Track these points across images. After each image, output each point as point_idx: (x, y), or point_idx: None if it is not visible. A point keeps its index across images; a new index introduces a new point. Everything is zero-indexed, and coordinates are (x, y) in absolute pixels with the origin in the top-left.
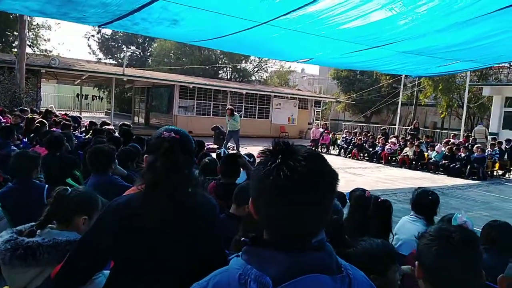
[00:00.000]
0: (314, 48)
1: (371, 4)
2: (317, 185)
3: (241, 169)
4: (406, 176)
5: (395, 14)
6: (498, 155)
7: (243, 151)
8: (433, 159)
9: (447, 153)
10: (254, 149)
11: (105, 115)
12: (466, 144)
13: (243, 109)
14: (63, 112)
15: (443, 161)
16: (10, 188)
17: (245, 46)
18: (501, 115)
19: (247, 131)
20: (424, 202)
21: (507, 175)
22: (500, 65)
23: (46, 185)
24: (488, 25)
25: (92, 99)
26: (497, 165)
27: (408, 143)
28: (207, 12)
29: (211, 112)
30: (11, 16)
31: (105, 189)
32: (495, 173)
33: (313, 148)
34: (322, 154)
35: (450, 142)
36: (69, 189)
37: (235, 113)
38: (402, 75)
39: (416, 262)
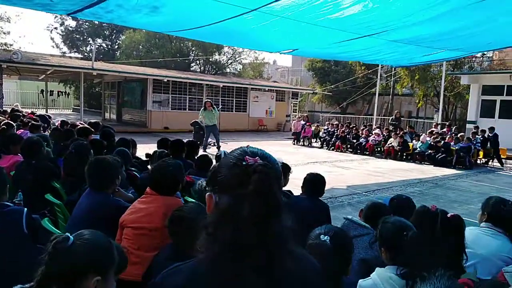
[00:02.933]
0: (302, 37)
1: None
2: None
3: None
4: (394, 168)
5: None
6: (479, 144)
7: (224, 146)
8: (418, 149)
9: (432, 143)
10: (235, 144)
11: (72, 111)
12: (450, 133)
13: (220, 102)
14: (29, 110)
15: (429, 151)
16: None
17: (228, 37)
18: (479, 103)
19: (225, 125)
20: (503, 213)
21: (490, 163)
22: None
23: (25, 209)
24: (478, 14)
25: (58, 95)
26: (481, 153)
27: (393, 134)
28: None
29: (187, 107)
30: None
31: (104, 212)
32: (478, 161)
33: (295, 141)
34: None
35: (434, 132)
36: (71, 237)
37: (214, 106)
38: (378, 66)
39: None
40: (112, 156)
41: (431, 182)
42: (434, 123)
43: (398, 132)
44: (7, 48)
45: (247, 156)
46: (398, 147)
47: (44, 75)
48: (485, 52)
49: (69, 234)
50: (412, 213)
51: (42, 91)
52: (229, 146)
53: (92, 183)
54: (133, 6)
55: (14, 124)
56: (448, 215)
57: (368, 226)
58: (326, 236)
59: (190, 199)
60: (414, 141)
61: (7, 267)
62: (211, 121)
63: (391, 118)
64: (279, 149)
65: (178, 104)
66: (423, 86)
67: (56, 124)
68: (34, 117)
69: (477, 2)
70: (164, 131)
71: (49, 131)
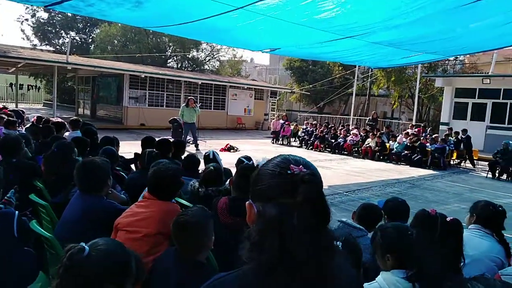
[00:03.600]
0: (286, 37)
1: None
2: None
3: None
4: (372, 168)
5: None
6: (453, 145)
7: (202, 144)
8: (395, 150)
9: (408, 144)
10: (214, 142)
11: (43, 106)
12: (425, 135)
13: (198, 100)
14: (0, 105)
15: (405, 152)
16: None
17: (212, 34)
18: (452, 105)
19: (203, 123)
20: (491, 216)
21: (462, 164)
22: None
23: (16, 212)
24: (454, 20)
25: (28, 89)
26: (455, 154)
27: (370, 134)
28: None
29: (165, 103)
30: None
31: (99, 215)
32: (452, 162)
33: (274, 140)
34: None
35: (410, 133)
36: (87, 248)
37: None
38: (356, 67)
39: None
40: (100, 157)
41: (408, 182)
42: (410, 124)
43: (375, 133)
44: None
45: (291, 165)
46: (376, 147)
47: (14, 68)
48: (457, 56)
49: (84, 244)
50: (406, 215)
51: (11, 84)
52: (208, 144)
53: (82, 186)
54: (115, 0)
55: None
56: (448, 219)
57: (363, 228)
58: (338, 242)
59: (181, 200)
60: (390, 141)
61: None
62: (190, 119)
63: (368, 118)
64: (259, 147)
65: (156, 101)
66: (399, 88)
67: (32, 120)
68: (8, 112)
69: (453, 8)
70: (141, 128)
71: (23, 127)
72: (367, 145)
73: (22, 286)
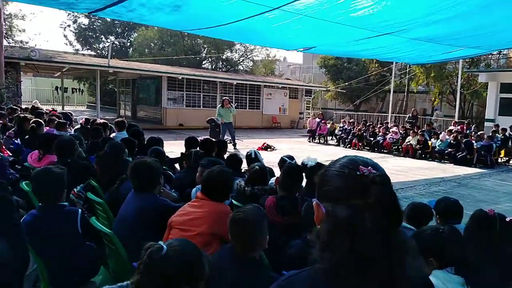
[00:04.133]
0: (322, 35)
1: None
2: None
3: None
4: (413, 167)
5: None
6: (499, 142)
7: (239, 144)
8: (438, 147)
9: (452, 141)
10: (250, 141)
11: (87, 108)
12: (469, 132)
13: (233, 100)
14: (50, 108)
15: (449, 149)
16: (34, 217)
17: (247, 35)
18: (497, 101)
19: (239, 122)
20: None
21: (511, 162)
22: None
23: (79, 210)
24: (500, 12)
25: (72, 92)
26: (502, 152)
27: (411, 132)
28: None
29: (201, 104)
30: None
31: (155, 214)
32: (499, 160)
33: (310, 139)
34: None
35: (453, 130)
36: (165, 247)
37: (232, 104)
38: (393, 63)
39: None
40: (150, 157)
41: (454, 181)
42: (453, 121)
43: (416, 130)
44: (23, 46)
45: (360, 166)
46: (417, 145)
47: (59, 73)
48: (501, 50)
49: (162, 243)
50: (459, 215)
51: (56, 88)
52: (245, 143)
53: (135, 185)
54: (155, 5)
55: (43, 123)
56: (507, 219)
57: (413, 228)
58: None
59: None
60: (432, 139)
61: (66, 263)
62: (227, 119)
63: (407, 116)
64: (295, 146)
65: (193, 101)
66: (439, 84)
67: (80, 121)
68: (57, 114)
69: (495, 1)
70: (179, 128)
71: (71, 129)
72: (408, 143)
73: (86, 278)
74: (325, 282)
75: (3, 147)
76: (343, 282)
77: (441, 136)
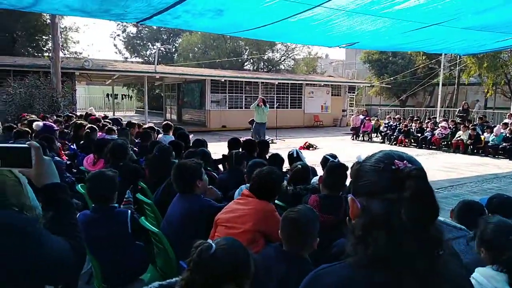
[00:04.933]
0: (365, 30)
1: None
2: None
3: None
4: (465, 163)
5: None
6: None
7: (281, 143)
8: (491, 142)
9: (507, 135)
10: (293, 141)
11: (135, 113)
12: None
13: (275, 99)
14: (102, 114)
15: (503, 144)
16: (88, 218)
17: (288, 34)
18: None
19: (281, 122)
20: None
21: None
22: None
23: (129, 211)
24: None
25: (122, 98)
26: None
27: (461, 126)
28: None
29: (243, 105)
30: (41, 21)
31: (201, 214)
32: None
33: (354, 136)
34: None
35: (509, 123)
36: (213, 245)
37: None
38: (441, 55)
39: None
40: (192, 159)
41: (509, 177)
42: (508, 114)
43: (467, 125)
44: (77, 57)
45: (395, 160)
46: (470, 140)
47: (110, 80)
48: None
49: (211, 242)
50: None
51: (107, 94)
52: (286, 143)
53: (177, 187)
54: (199, 11)
55: (97, 129)
56: None
57: (464, 228)
58: None
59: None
60: (485, 133)
61: (118, 262)
62: (260, 119)
63: (458, 109)
64: (338, 145)
65: (235, 103)
66: (493, 74)
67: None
68: (108, 120)
69: None
70: (222, 130)
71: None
72: (458, 138)
73: (135, 276)
74: (361, 275)
75: (61, 151)
76: (377, 275)
77: (495, 130)
